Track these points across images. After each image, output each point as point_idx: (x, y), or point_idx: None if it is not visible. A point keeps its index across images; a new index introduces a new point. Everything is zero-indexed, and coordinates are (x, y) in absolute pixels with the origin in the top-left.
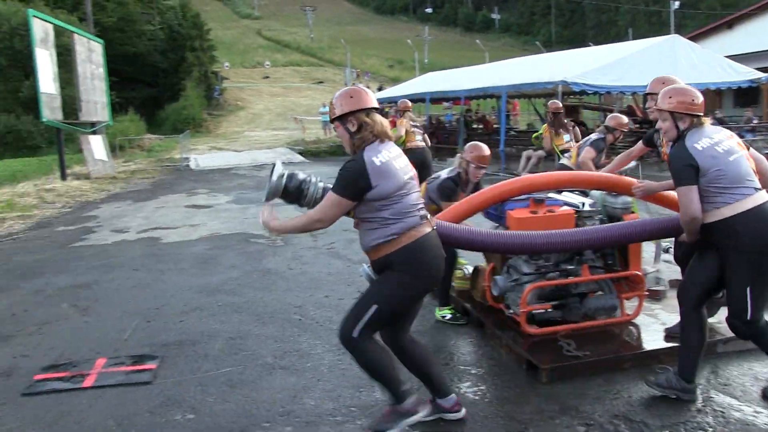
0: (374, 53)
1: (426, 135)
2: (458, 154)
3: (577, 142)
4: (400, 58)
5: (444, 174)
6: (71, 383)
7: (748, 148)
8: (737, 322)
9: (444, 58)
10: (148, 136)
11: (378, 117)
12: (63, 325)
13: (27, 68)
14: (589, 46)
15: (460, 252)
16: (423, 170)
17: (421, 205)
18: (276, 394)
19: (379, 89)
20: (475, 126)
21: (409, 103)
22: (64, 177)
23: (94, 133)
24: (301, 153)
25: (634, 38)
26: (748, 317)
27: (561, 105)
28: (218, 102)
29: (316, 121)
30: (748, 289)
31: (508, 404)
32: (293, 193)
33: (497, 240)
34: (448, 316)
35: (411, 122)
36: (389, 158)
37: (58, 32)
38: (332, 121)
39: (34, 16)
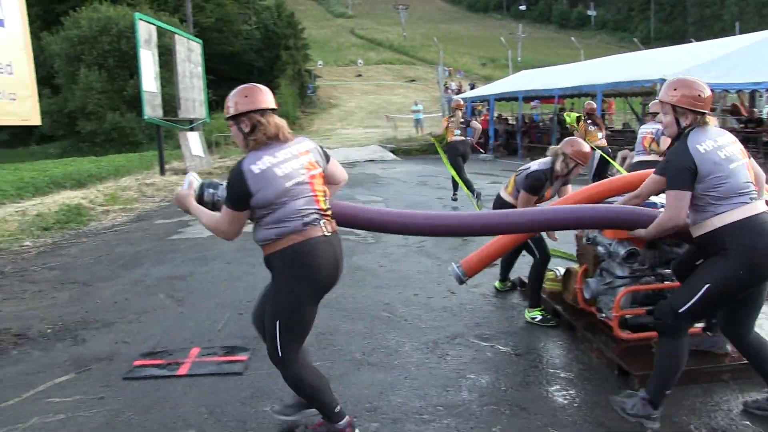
0: (467, 51)
1: (473, 126)
2: (552, 147)
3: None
4: (493, 56)
5: (535, 165)
6: (167, 370)
7: (749, 158)
8: (667, 310)
9: (538, 56)
10: None
11: (273, 119)
12: (160, 314)
13: (131, 68)
14: (690, 42)
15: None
16: (456, 159)
17: (311, 210)
18: (363, 389)
19: (472, 87)
20: (568, 126)
21: (462, 102)
22: (163, 172)
23: (191, 129)
24: (392, 151)
25: (742, 32)
26: (681, 310)
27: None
28: (311, 100)
29: (409, 119)
30: (706, 287)
31: (598, 409)
32: (207, 204)
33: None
34: (538, 318)
35: (458, 120)
36: (271, 164)
37: (160, 33)
38: (227, 119)
39: (140, 19)
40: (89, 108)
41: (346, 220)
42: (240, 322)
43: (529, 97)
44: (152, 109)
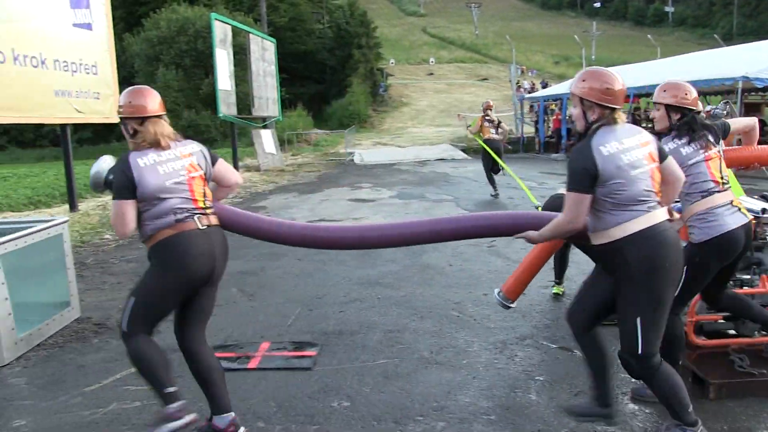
0: (539, 49)
1: (502, 127)
2: None
3: None
4: (566, 55)
5: None
6: (237, 364)
7: (663, 160)
8: (628, 357)
9: (612, 54)
10: (315, 131)
11: (155, 126)
12: (231, 308)
13: (207, 67)
14: None
15: None
16: (498, 155)
17: (185, 208)
18: (431, 388)
19: (544, 86)
20: (644, 125)
21: (492, 103)
22: (236, 169)
23: (264, 127)
24: (463, 150)
25: None
26: (639, 352)
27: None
28: (383, 98)
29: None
30: (638, 320)
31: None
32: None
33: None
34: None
35: (488, 119)
36: (155, 162)
37: (235, 33)
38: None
39: (216, 19)
40: (166, 106)
41: (231, 225)
42: (309, 318)
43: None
44: (227, 107)
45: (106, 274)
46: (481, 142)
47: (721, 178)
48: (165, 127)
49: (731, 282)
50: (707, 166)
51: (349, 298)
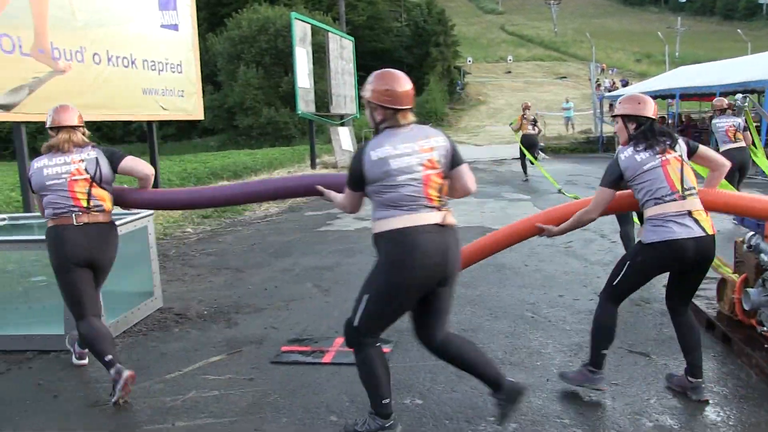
0: (620, 47)
1: (537, 126)
2: None
3: None
4: (649, 52)
5: None
6: (312, 358)
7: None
8: (347, 323)
9: (698, 51)
10: None
11: (65, 135)
12: (307, 302)
13: (287, 65)
14: None
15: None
16: (532, 149)
17: (63, 205)
18: None
19: (624, 84)
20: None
21: (529, 104)
22: (313, 165)
23: (342, 125)
24: (541, 149)
25: None
26: (355, 324)
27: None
28: (460, 96)
29: (558, 117)
30: (366, 298)
31: (757, 431)
32: None
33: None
34: None
35: (525, 118)
36: (44, 165)
37: (314, 31)
38: None
39: (296, 18)
40: (247, 103)
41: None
42: None
43: (686, 94)
44: (305, 104)
45: (186, 266)
46: (517, 137)
47: (682, 184)
48: (67, 137)
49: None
50: (664, 172)
51: None
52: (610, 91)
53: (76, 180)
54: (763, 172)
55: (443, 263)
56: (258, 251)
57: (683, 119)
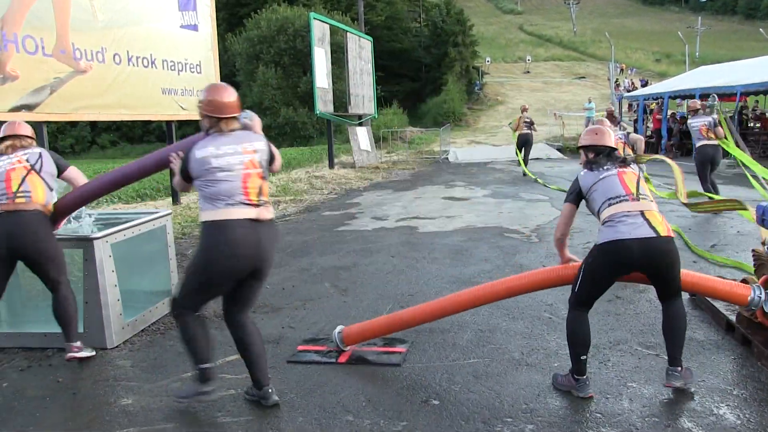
0: (640, 47)
1: (533, 127)
2: None
3: None
4: (668, 52)
5: None
6: (328, 357)
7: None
8: (172, 295)
9: (719, 51)
10: (410, 129)
11: (11, 141)
12: (324, 302)
13: (305, 66)
14: None
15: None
16: (525, 146)
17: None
18: (520, 390)
19: (644, 85)
20: (751, 125)
21: (527, 106)
22: (332, 165)
23: (360, 125)
24: (559, 149)
25: None
26: (175, 296)
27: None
28: (478, 96)
29: (576, 117)
30: (186, 276)
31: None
32: None
33: None
34: None
35: (522, 119)
36: None
37: (333, 31)
38: None
39: (315, 18)
40: (265, 103)
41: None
42: None
43: (705, 94)
44: (324, 104)
45: None
46: (513, 137)
47: (637, 190)
48: (21, 142)
49: None
50: (620, 178)
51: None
52: (629, 91)
53: (9, 179)
54: (733, 163)
55: (254, 255)
56: (276, 251)
57: None
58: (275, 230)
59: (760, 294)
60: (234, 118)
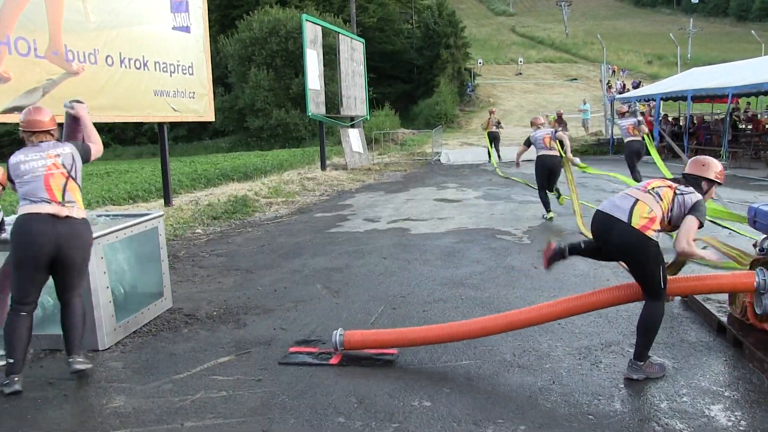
0: (632, 48)
1: (500, 126)
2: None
3: None
4: (660, 54)
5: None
6: (320, 359)
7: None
8: None
9: (710, 53)
10: (402, 131)
11: None
12: (316, 304)
13: (297, 67)
14: None
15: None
16: (494, 142)
17: None
18: (512, 392)
19: (636, 86)
20: (742, 126)
21: (494, 109)
22: (324, 167)
23: (352, 126)
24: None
25: None
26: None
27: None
28: (470, 98)
29: (569, 119)
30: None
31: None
32: None
33: None
34: None
35: (493, 119)
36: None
37: (325, 33)
38: None
39: (307, 20)
40: (257, 105)
41: None
42: (393, 316)
43: (698, 96)
44: (316, 106)
45: (196, 267)
46: (486, 135)
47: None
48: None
49: None
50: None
51: (432, 297)
52: (621, 92)
53: (51, 174)
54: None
55: (51, 245)
56: (268, 252)
57: (695, 121)
58: (80, 227)
59: (764, 276)
60: (44, 132)
